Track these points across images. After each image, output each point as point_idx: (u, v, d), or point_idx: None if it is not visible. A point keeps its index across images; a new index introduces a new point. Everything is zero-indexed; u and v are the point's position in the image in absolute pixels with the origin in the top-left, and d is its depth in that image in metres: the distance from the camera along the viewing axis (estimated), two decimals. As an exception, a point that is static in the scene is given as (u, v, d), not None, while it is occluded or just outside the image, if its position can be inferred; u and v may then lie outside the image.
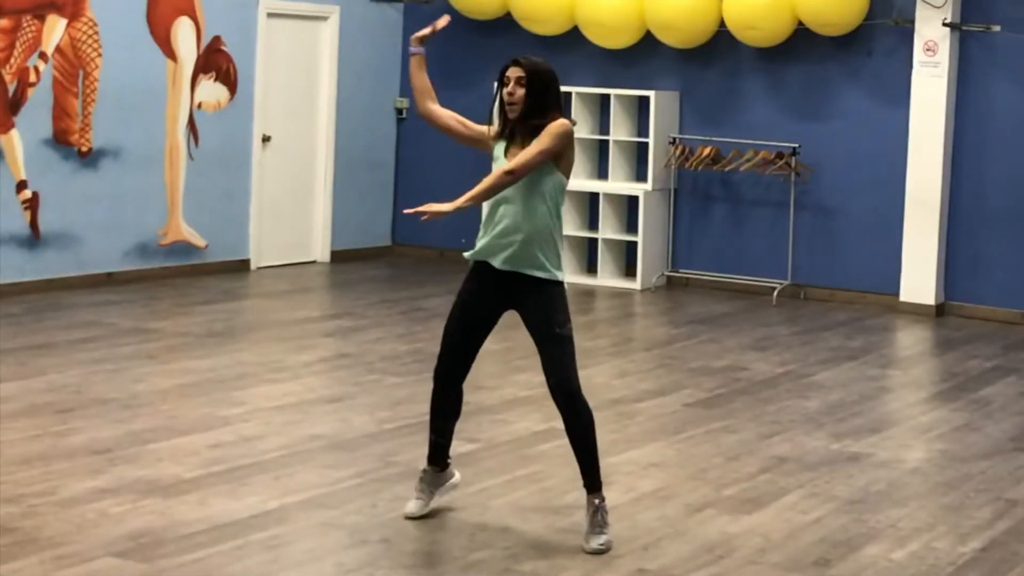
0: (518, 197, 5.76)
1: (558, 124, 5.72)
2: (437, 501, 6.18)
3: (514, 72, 5.77)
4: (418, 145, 14.10)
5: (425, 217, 5.61)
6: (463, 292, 5.97)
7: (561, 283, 5.85)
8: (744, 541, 6.02)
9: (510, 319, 6.06)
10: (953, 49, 11.84)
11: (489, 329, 6.01)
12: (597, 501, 5.85)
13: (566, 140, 5.74)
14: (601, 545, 5.78)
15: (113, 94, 11.71)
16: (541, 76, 5.77)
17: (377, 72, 14.01)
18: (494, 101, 5.90)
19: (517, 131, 5.82)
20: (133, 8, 11.88)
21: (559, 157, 5.76)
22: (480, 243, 5.87)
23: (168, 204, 12.25)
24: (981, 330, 11.40)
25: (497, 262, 5.83)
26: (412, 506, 6.14)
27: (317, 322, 10.87)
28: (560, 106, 5.85)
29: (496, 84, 5.90)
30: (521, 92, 5.75)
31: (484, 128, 6.00)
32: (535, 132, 5.75)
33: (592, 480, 5.88)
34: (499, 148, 5.89)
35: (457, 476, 6.30)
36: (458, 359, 6.00)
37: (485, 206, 5.88)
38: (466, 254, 5.95)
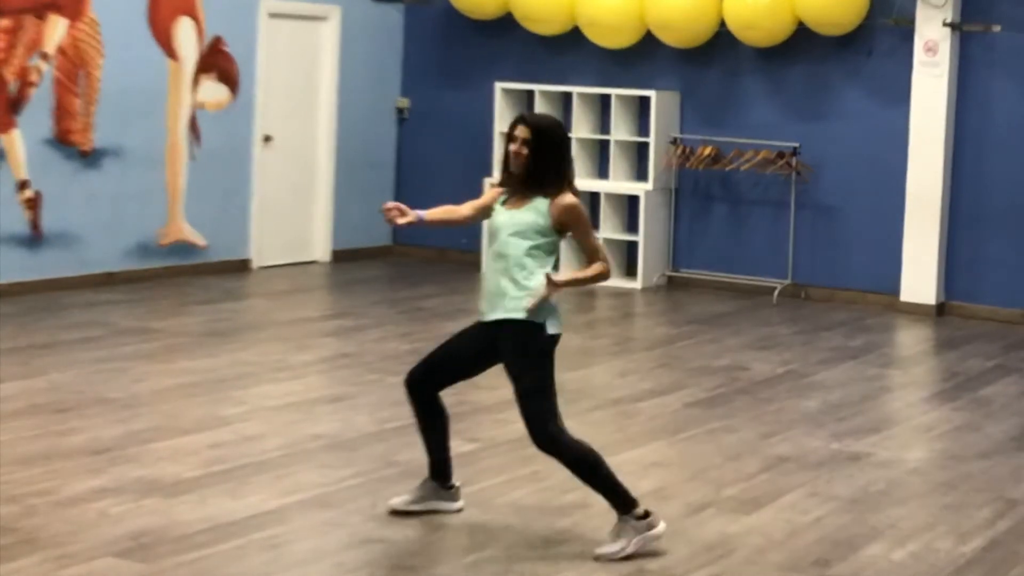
0: (511, 239, 5.76)
1: (574, 207, 5.77)
2: (425, 507, 6.14)
3: (521, 132, 5.73)
4: (418, 145, 14.10)
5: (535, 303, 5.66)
6: (472, 328, 5.98)
7: (527, 322, 5.70)
8: (744, 541, 6.02)
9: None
10: (953, 49, 11.84)
11: (470, 371, 6.01)
12: (625, 516, 5.75)
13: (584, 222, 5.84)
14: (605, 551, 5.69)
15: (114, 94, 11.71)
16: (546, 135, 5.73)
17: (377, 72, 14.02)
18: (504, 159, 5.88)
19: (517, 186, 5.80)
20: (134, 8, 11.89)
21: (561, 228, 5.81)
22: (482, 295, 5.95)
23: (169, 204, 12.26)
24: (981, 330, 11.40)
25: (485, 316, 5.85)
26: (397, 499, 6.15)
27: (317, 322, 10.87)
28: (568, 167, 5.84)
29: (506, 139, 5.89)
30: (526, 152, 5.71)
31: (491, 194, 5.98)
32: (536, 189, 5.74)
33: (615, 506, 5.78)
34: (501, 200, 5.89)
35: (459, 504, 6.21)
36: (432, 376, 5.99)
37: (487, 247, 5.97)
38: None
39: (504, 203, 5.86)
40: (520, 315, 5.70)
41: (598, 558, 5.70)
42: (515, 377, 5.76)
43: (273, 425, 7.60)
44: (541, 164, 5.73)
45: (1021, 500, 6.77)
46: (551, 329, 5.75)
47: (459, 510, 6.20)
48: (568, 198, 5.77)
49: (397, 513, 6.11)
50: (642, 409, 8.33)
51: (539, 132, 5.73)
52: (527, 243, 5.74)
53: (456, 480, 6.23)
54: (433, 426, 6.09)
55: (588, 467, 5.76)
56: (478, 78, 13.80)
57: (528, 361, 5.73)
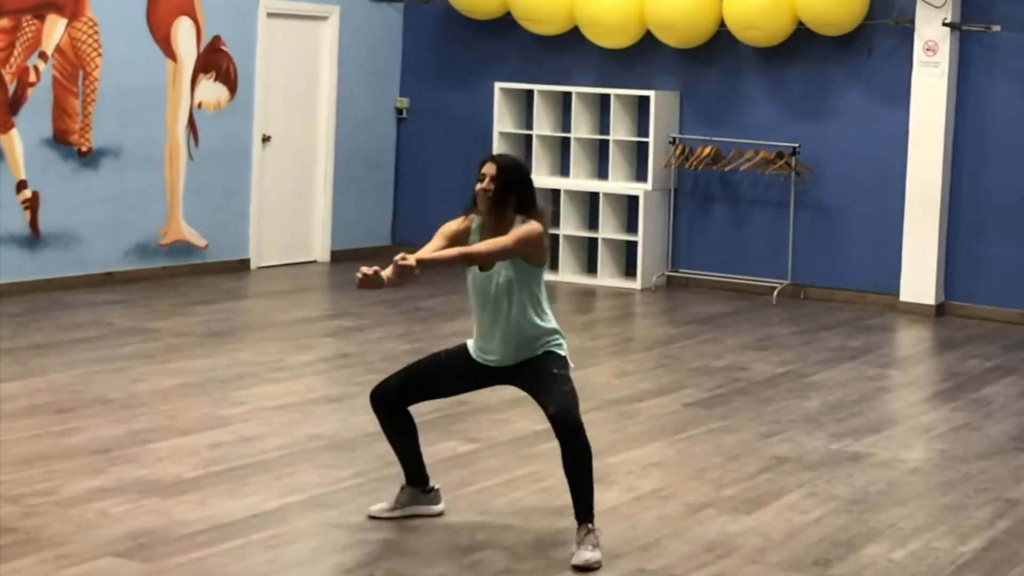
0: (500, 303, 5.82)
1: (528, 228, 5.78)
2: (404, 513, 6.12)
3: (488, 169, 5.88)
4: (418, 145, 14.10)
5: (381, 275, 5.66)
6: (458, 354, 6.03)
7: (551, 353, 5.86)
8: (744, 541, 6.02)
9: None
10: (953, 49, 11.84)
11: (458, 392, 6.15)
12: (590, 526, 5.72)
13: (532, 245, 5.78)
14: (584, 562, 5.61)
15: (113, 94, 11.71)
16: (509, 173, 5.86)
17: (377, 72, 14.01)
18: (473, 194, 5.95)
19: (487, 223, 5.89)
20: (133, 8, 11.88)
21: (526, 258, 5.81)
22: (477, 344, 5.97)
23: (168, 204, 12.25)
24: (981, 330, 11.40)
25: (491, 363, 5.92)
26: (377, 506, 6.15)
27: (317, 322, 10.87)
28: (532, 200, 5.90)
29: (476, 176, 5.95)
30: (492, 188, 5.84)
31: (465, 223, 5.98)
32: (502, 227, 5.83)
33: (585, 512, 5.75)
34: (472, 239, 5.95)
35: (440, 507, 6.22)
36: (405, 393, 6.01)
37: (474, 307, 5.94)
38: (470, 344, 6.00)
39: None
40: (562, 351, 5.87)
41: (584, 567, 5.60)
42: (541, 375, 5.81)
43: (273, 425, 7.60)
44: (504, 199, 5.83)
45: (1021, 500, 6.77)
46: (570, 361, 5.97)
47: (440, 513, 6.19)
48: (528, 227, 5.79)
49: (376, 519, 6.09)
50: (642, 409, 8.33)
51: (503, 168, 5.86)
52: (525, 284, 5.83)
53: (435, 483, 6.23)
54: (403, 437, 6.10)
55: (588, 468, 5.75)
56: (478, 78, 13.79)
57: (555, 364, 5.84)
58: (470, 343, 6.03)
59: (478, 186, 5.89)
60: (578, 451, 5.72)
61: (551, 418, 5.74)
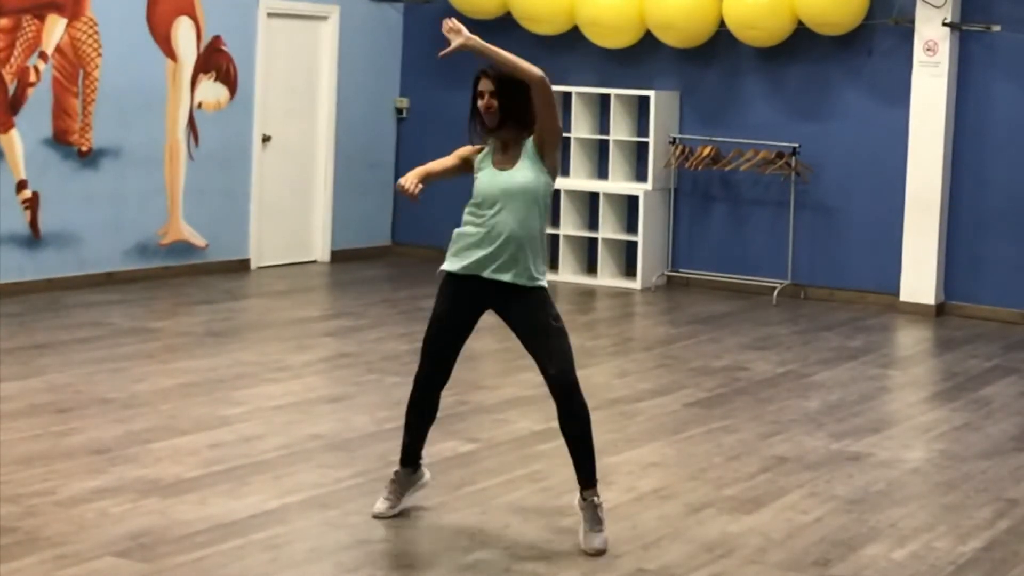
0: (516, 202, 5.76)
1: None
2: (406, 502, 6.16)
3: (485, 85, 5.78)
4: (418, 145, 14.09)
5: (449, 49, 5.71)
6: (443, 303, 5.99)
7: (545, 288, 5.86)
8: (744, 541, 6.02)
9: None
10: (953, 49, 11.84)
11: (469, 333, 6.02)
12: (595, 499, 5.83)
13: (557, 132, 5.79)
14: (602, 545, 5.76)
15: (113, 94, 11.71)
16: (512, 82, 5.74)
17: (377, 72, 14.02)
18: (471, 115, 5.87)
19: (499, 140, 5.84)
20: (133, 8, 11.88)
21: (546, 156, 5.78)
22: (470, 253, 5.85)
23: (168, 204, 12.25)
24: (981, 330, 11.40)
25: (487, 272, 5.83)
26: (381, 505, 6.13)
27: (317, 322, 10.87)
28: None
29: (471, 97, 5.87)
30: (496, 103, 5.76)
31: (468, 151, 5.98)
32: (517, 131, 5.79)
33: (589, 476, 5.85)
34: (483, 159, 5.89)
35: (427, 475, 6.28)
36: (439, 367, 5.99)
37: (479, 207, 5.86)
38: (447, 266, 5.94)
39: (492, 163, 5.85)
40: (544, 283, 5.84)
41: (596, 552, 5.70)
42: (538, 322, 5.79)
43: (272, 425, 7.60)
44: (515, 109, 5.75)
45: (1021, 500, 6.77)
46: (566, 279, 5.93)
47: (428, 481, 6.26)
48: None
49: (381, 518, 6.10)
50: (642, 409, 8.33)
51: (502, 79, 5.75)
52: (539, 201, 5.79)
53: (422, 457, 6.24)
54: (430, 418, 6.11)
55: (587, 429, 5.83)
56: (477, 78, 13.78)
57: (550, 312, 5.83)
58: (446, 266, 5.95)
59: (480, 104, 5.78)
60: (576, 411, 5.81)
61: (551, 379, 5.78)
